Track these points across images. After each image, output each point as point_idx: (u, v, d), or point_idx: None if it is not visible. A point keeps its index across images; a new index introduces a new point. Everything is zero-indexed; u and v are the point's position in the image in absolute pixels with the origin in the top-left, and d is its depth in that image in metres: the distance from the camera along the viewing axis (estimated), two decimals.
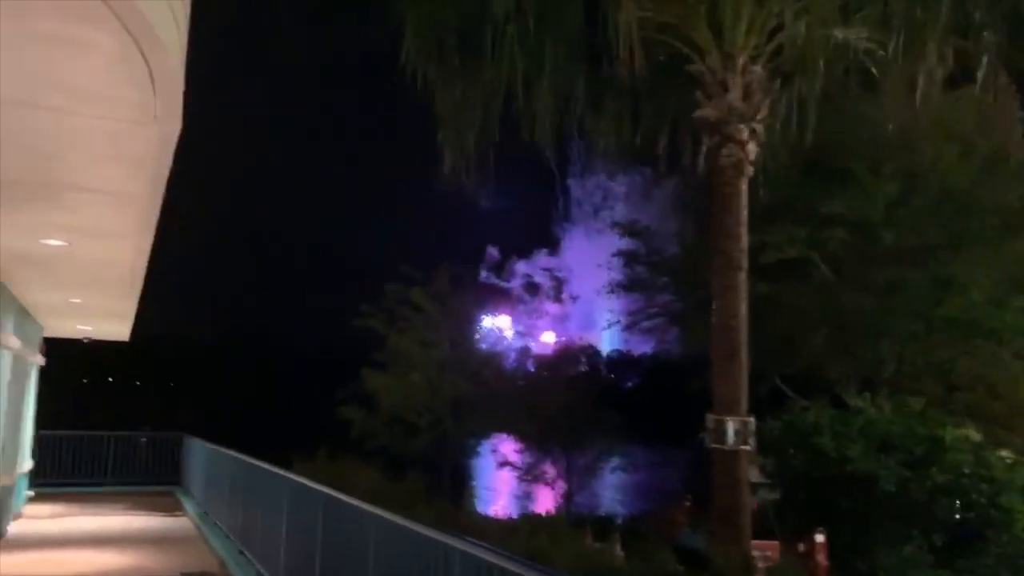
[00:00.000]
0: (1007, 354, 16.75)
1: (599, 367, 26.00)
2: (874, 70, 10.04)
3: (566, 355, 22.30)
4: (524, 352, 21.39)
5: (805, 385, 17.18)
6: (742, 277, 8.13)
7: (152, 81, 4.26)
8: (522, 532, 7.41)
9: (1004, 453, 12.89)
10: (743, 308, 8.11)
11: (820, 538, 11.23)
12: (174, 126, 4.89)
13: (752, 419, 7.94)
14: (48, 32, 3.67)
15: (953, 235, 15.09)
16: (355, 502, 6.57)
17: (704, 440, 8.42)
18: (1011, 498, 12.07)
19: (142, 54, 3.91)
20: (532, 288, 24.22)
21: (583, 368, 22.56)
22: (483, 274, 20.33)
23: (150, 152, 5.32)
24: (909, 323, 15.98)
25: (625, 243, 19.84)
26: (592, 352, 24.96)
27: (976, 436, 12.81)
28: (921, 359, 16.64)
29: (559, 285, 24.29)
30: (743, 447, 7.88)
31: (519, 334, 21.60)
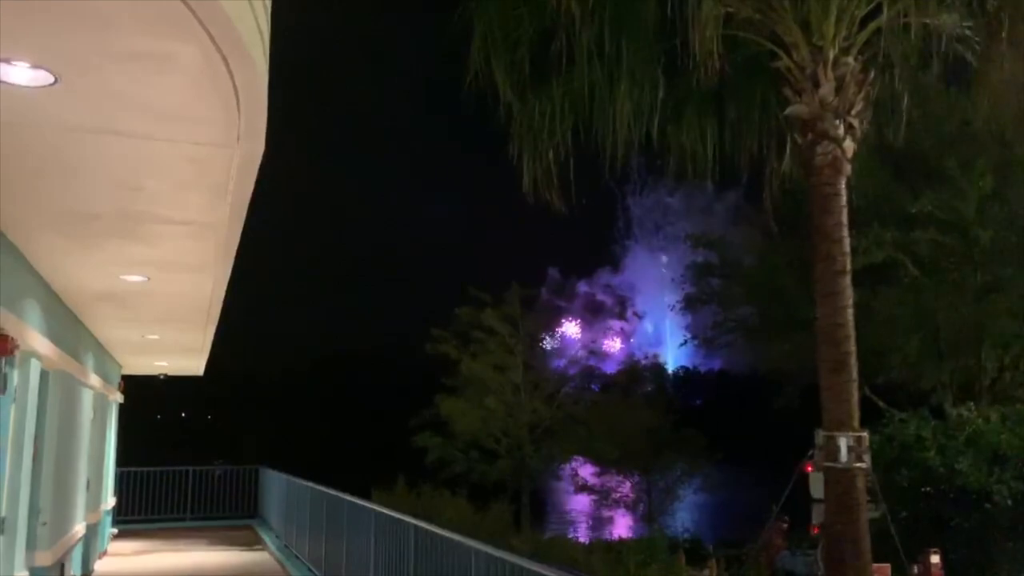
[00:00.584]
0: None
1: (665, 385, 25.36)
2: (970, 58, 9.40)
3: (632, 373, 21.81)
4: (589, 371, 20.93)
5: (897, 396, 16.38)
6: (847, 282, 7.60)
7: (237, 99, 4.02)
8: (627, 561, 7.00)
9: None
10: (850, 315, 7.58)
11: (935, 559, 10.50)
12: (258, 147, 4.65)
13: (866, 434, 7.38)
14: (127, 47, 3.44)
15: None
16: (451, 535, 6.25)
17: (814, 459, 7.87)
18: None
19: (228, 68, 3.67)
20: (596, 306, 23.81)
21: (649, 387, 22.02)
22: (545, 294, 19.87)
23: (232, 177, 5.10)
24: (1009, 326, 15.08)
25: (696, 257, 19.32)
26: (660, 370, 24.39)
27: None
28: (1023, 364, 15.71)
29: (623, 302, 23.82)
30: (857, 464, 7.31)
31: (590, 352, 21.14)
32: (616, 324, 24.15)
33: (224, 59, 3.58)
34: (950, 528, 11.70)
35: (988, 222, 14.29)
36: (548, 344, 20.61)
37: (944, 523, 11.68)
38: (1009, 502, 10.98)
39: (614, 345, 23.59)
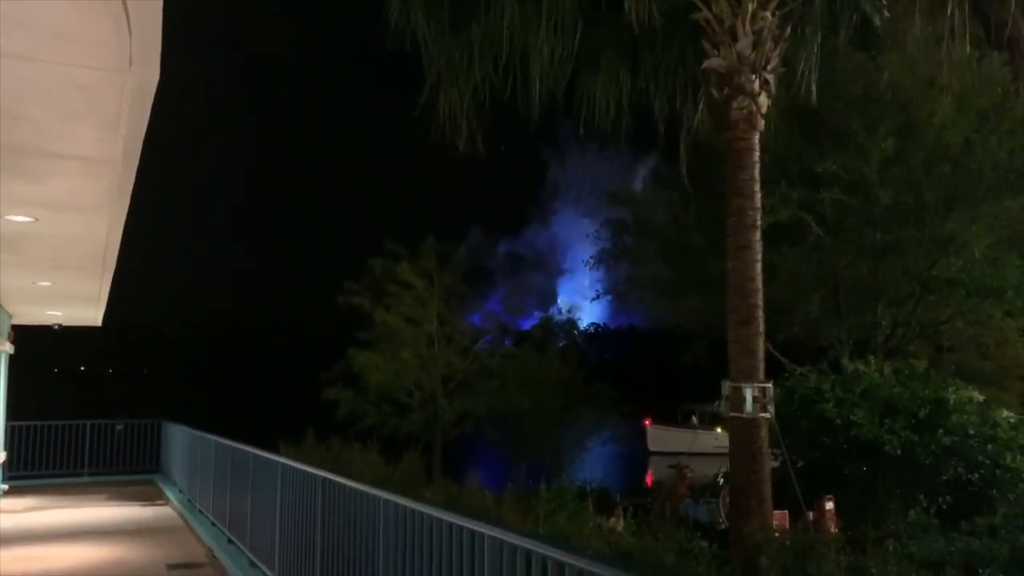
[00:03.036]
0: (998, 313, 16.63)
1: (577, 341, 25.67)
2: (877, 22, 9.61)
3: (545, 328, 22.02)
4: (504, 327, 20.99)
5: (797, 352, 16.98)
6: (757, 236, 7.74)
7: (128, 16, 3.71)
8: (537, 509, 7.04)
9: (1006, 413, 12.74)
10: (759, 269, 7.73)
11: (829, 505, 10.98)
12: (152, 75, 4.33)
13: (771, 385, 7.58)
14: None
15: (950, 193, 14.84)
16: (360, 486, 6.13)
17: (720, 408, 8.05)
18: (1016, 457, 11.93)
19: None
20: (518, 262, 23.82)
21: (561, 343, 22.27)
22: (469, 248, 19.71)
23: (125, 107, 4.75)
24: (905, 284, 15.77)
25: (612, 214, 19.49)
26: (572, 325, 24.64)
27: (979, 396, 12.65)
28: (915, 321, 16.47)
29: (545, 259, 23.92)
30: (762, 415, 7.51)
31: (506, 309, 21.15)
32: (536, 278, 24.23)
33: None
34: (844, 476, 12.24)
35: (888, 184, 14.80)
36: (467, 299, 20.51)
37: (839, 472, 12.20)
38: (898, 452, 11.51)
39: (531, 301, 23.76)
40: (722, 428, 37.01)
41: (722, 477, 13.52)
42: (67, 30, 3.84)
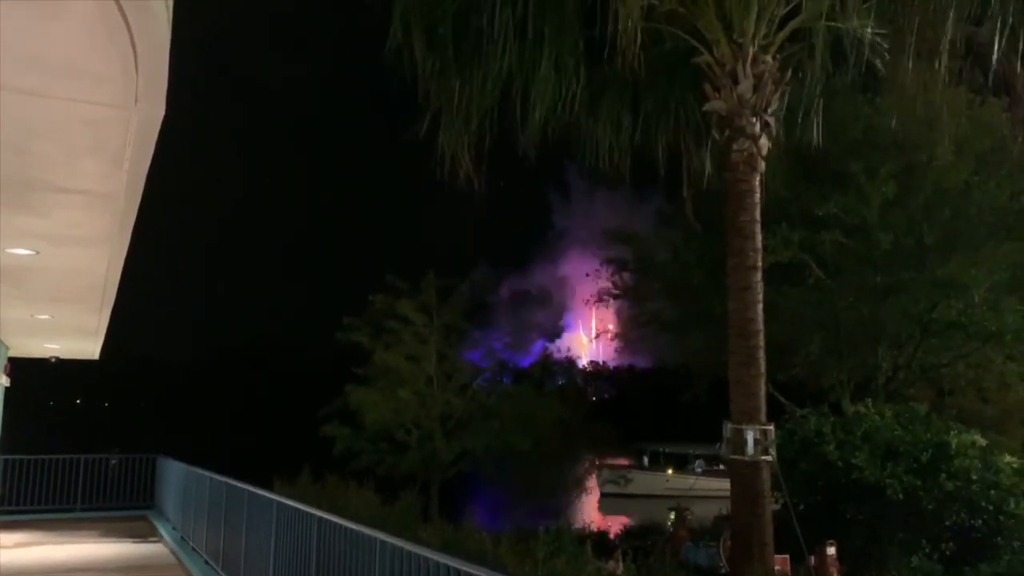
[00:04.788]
0: (999, 357, 16.57)
1: (576, 380, 25.58)
2: (879, 66, 9.71)
3: (544, 366, 21.90)
4: (503, 365, 20.88)
5: (797, 393, 16.89)
6: (758, 277, 7.73)
7: (135, 54, 3.73)
8: (537, 553, 6.93)
9: (1009, 458, 12.62)
10: (760, 310, 7.70)
11: (831, 550, 10.82)
12: (157, 111, 4.35)
13: (772, 427, 7.51)
14: None
15: (950, 236, 14.88)
16: (356, 526, 6.04)
17: (721, 450, 7.97)
18: (1020, 503, 11.79)
19: (124, 18, 3.39)
20: (520, 299, 23.82)
21: (560, 381, 22.17)
22: (471, 284, 19.66)
23: (130, 142, 4.77)
24: (905, 327, 15.73)
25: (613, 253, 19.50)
26: (571, 364, 24.56)
27: (982, 440, 12.54)
28: (916, 363, 16.41)
29: (550, 297, 23.96)
30: (764, 457, 7.43)
31: (509, 347, 21.06)
32: (538, 315, 24.21)
33: (120, 7, 3.31)
34: (846, 520, 12.08)
35: (889, 226, 14.84)
36: (468, 336, 20.41)
37: (841, 515, 12.05)
38: (900, 496, 11.38)
39: (532, 338, 23.72)
40: (672, 470, 36.37)
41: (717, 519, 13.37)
42: (75, 66, 3.86)
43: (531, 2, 8.13)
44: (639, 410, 49.40)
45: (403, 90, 8.79)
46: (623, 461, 36.40)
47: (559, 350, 23.40)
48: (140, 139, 4.71)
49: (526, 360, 23.09)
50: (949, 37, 8.27)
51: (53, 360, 17.85)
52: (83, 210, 6.14)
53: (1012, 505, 11.70)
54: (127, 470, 18.59)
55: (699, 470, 36.91)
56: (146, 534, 15.56)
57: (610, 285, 18.99)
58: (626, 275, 18.93)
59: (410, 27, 8.41)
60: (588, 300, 19.74)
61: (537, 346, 23.72)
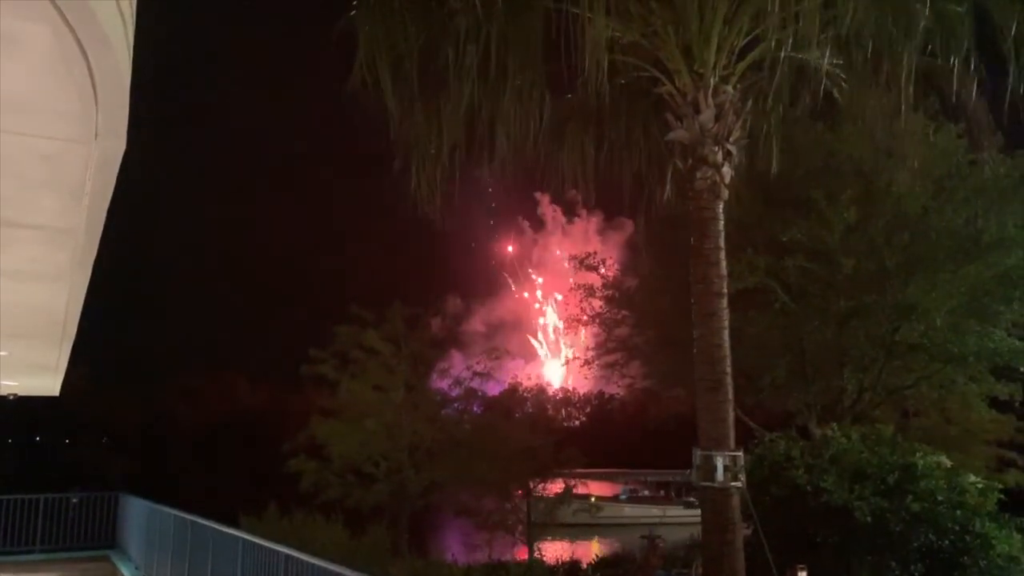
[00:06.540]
0: (961, 377, 16.84)
1: (546, 406, 25.49)
2: (837, 95, 9.91)
3: (513, 394, 21.79)
4: (471, 394, 20.75)
5: (765, 417, 17.01)
6: (724, 304, 7.80)
7: (94, 89, 3.69)
8: None
9: (973, 478, 12.78)
10: (726, 336, 7.76)
11: (803, 574, 10.83)
12: (118, 146, 4.30)
13: (741, 454, 7.54)
14: None
15: (910, 260, 15.15)
16: (324, 563, 5.95)
17: (691, 477, 7.98)
18: (986, 523, 11.92)
19: (83, 53, 3.35)
20: (489, 327, 23.75)
21: (529, 409, 22.05)
22: (439, 313, 19.60)
23: (89, 177, 4.70)
24: (869, 349, 15.94)
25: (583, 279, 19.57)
26: (540, 391, 24.49)
27: (947, 461, 12.69)
28: (881, 385, 16.61)
29: (517, 324, 23.90)
30: (733, 484, 7.46)
31: (474, 374, 20.95)
32: (506, 343, 24.08)
33: (79, 42, 3.27)
34: (816, 543, 12.12)
35: (850, 251, 15.08)
36: (433, 365, 20.27)
37: (811, 539, 12.08)
38: (868, 518, 11.45)
39: (500, 367, 23.54)
40: (596, 499, 36.80)
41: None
42: (31, 101, 3.81)
43: (496, 36, 8.20)
44: (611, 435, 49.37)
45: (370, 119, 8.80)
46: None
47: (529, 377, 23.35)
48: (100, 174, 4.65)
49: (495, 388, 23.01)
50: (906, 66, 8.45)
51: (11, 397, 17.42)
52: (41, 245, 6.03)
53: (977, 525, 11.84)
54: (89, 509, 18.11)
55: (624, 497, 37.57)
56: (108, 575, 15.16)
57: (579, 312, 19.05)
58: (595, 302, 18.99)
59: (375, 61, 8.43)
60: (556, 327, 19.77)
61: (505, 373, 23.64)
